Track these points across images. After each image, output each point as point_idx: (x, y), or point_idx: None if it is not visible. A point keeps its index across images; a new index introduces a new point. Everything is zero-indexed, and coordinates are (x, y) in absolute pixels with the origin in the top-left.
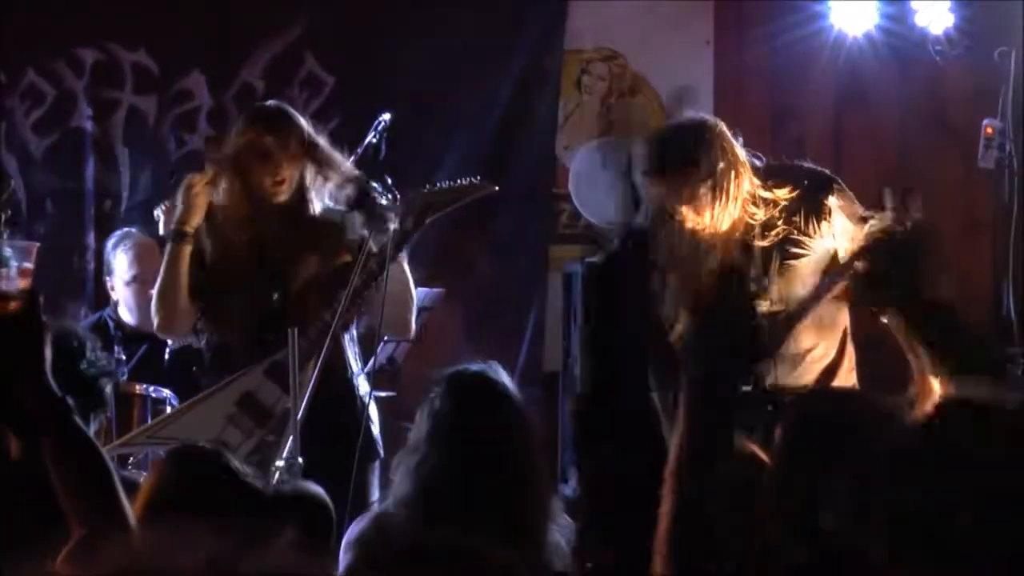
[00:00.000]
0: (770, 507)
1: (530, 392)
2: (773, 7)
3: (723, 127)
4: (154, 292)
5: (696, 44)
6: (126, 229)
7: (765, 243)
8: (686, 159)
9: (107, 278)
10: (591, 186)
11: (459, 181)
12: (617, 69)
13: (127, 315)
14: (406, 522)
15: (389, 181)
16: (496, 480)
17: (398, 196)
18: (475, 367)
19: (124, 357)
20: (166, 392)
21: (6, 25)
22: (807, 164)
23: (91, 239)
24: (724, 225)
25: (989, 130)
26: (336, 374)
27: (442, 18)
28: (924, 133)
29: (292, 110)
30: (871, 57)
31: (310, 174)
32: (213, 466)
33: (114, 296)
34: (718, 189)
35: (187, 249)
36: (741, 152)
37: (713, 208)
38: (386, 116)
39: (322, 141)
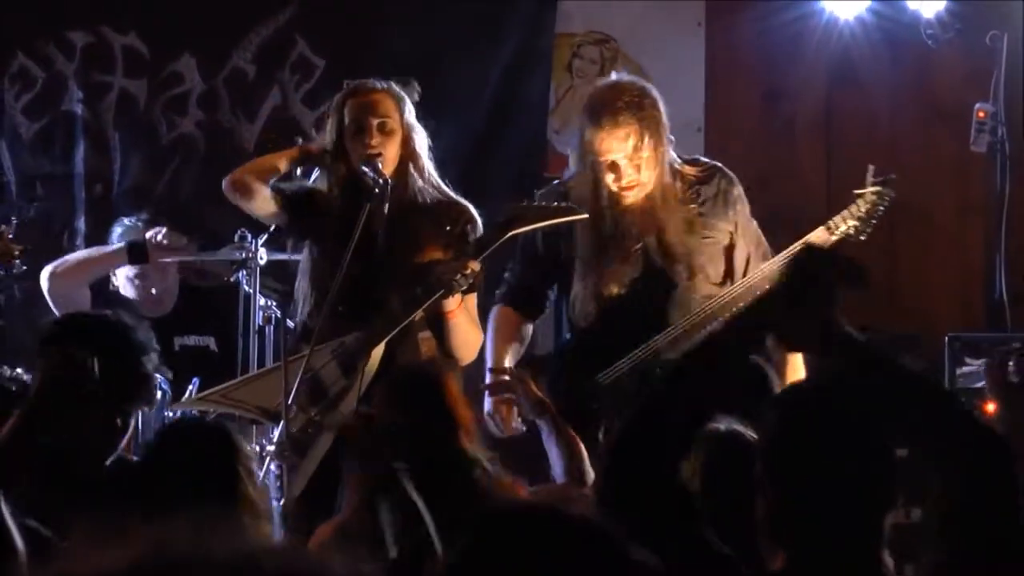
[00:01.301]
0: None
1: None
2: None
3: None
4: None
5: (688, 26)
6: (132, 221)
7: (684, 214)
8: (636, 105)
9: None
10: None
11: (552, 203)
12: (608, 52)
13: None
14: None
15: (379, 165)
16: (431, 474)
17: (389, 181)
18: (416, 363)
19: None
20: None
21: None
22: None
23: (81, 223)
24: (654, 187)
25: (981, 114)
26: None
27: (432, 1)
28: (916, 116)
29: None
30: (863, 39)
31: (413, 164)
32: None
33: (114, 280)
34: (655, 144)
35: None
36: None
37: (650, 164)
38: None
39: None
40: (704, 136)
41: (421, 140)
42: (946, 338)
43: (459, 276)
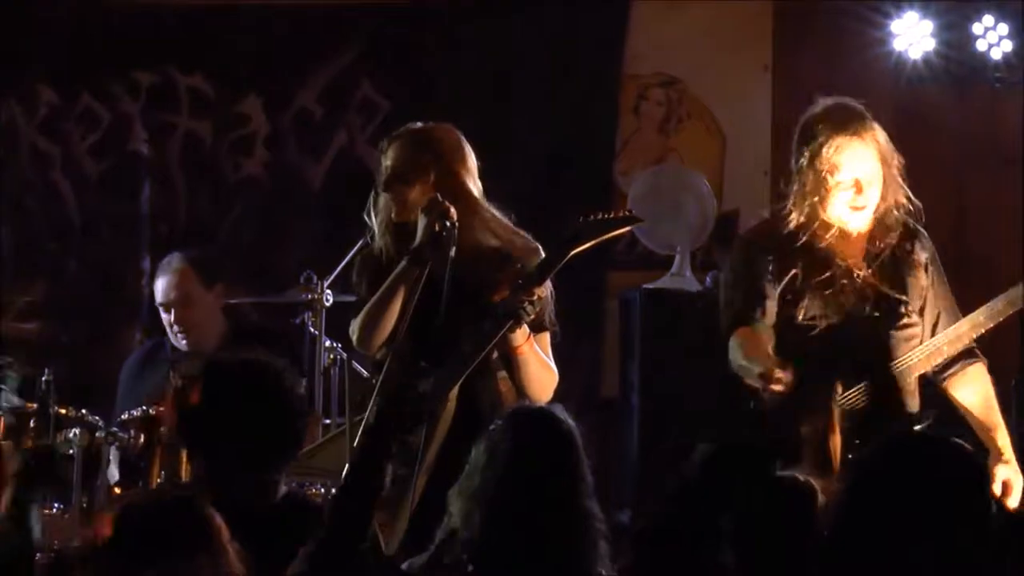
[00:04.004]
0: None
1: (586, 419)
2: (832, 32)
3: None
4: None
5: (755, 69)
6: (174, 252)
7: None
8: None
9: None
10: (651, 211)
11: (610, 214)
12: (675, 94)
13: (173, 338)
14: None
15: (445, 209)
16: (548, 517)
17: (456, 224)
18: (538, 405)
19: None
20: None
21: (62, 48)
22: None
23: (147, 264)
24: None
25: None
26: (484, 410)
27: (499, 42)
28: (982, 159)
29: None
30: (930, 82)
31: (470, 206)
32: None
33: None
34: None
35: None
36: None
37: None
38: None
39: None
40: (770, 179)
41: (474, 181)
42: (1013, 383)
43: (526, 304)
